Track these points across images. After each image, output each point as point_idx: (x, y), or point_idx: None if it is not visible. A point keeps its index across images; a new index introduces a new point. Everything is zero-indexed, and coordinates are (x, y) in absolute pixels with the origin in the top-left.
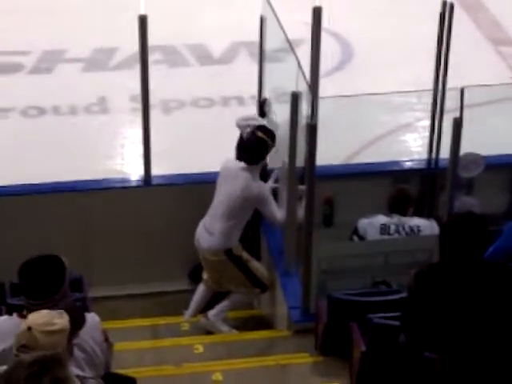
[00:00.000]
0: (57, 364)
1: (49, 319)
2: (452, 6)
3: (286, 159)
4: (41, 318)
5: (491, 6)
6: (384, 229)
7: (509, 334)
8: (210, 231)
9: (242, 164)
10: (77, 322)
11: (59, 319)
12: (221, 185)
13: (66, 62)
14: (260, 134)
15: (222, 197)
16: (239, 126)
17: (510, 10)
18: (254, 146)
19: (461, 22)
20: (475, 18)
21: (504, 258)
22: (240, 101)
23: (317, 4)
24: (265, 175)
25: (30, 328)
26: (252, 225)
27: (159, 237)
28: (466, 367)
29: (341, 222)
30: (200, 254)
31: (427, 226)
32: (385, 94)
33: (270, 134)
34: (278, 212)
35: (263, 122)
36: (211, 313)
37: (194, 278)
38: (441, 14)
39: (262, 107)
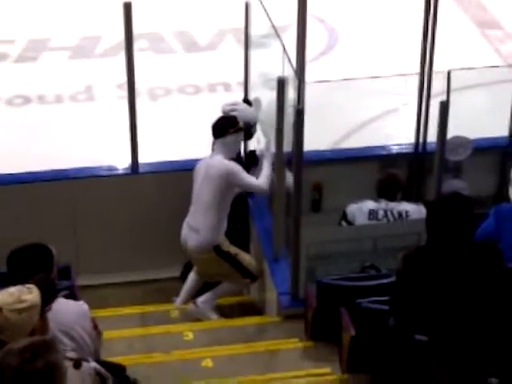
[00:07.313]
0: (49, 348)
1: (18, 297)
2: None
3: (272, 141)
4: (10, 296)
5: None
6: (372, 214)
7: (497, 313)
8: (195, 228)
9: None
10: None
11: (28, 295)
12: (196, 180)
13: (51, 51)
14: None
15: (200, 189)
16: (224, 112)
17: None
18: (221, 118)
19: (447, 5)
20: (461, 1)
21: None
22: (227, 87)
23: None
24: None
25: (0, 309)
26: (241, 217)
27: (147, 224)
28: (455, 348)
29: (329, 207)
30: (188, 254)
31: (415, 211)
32: (371, 78)
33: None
34: (255, 180)
35: (248, 107)
36: (200, 300)
37: (186, 278)
38: None
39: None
